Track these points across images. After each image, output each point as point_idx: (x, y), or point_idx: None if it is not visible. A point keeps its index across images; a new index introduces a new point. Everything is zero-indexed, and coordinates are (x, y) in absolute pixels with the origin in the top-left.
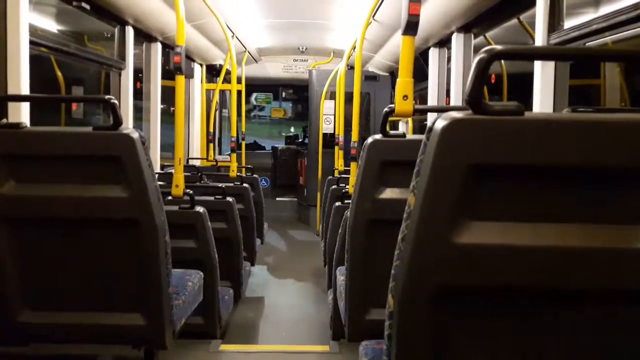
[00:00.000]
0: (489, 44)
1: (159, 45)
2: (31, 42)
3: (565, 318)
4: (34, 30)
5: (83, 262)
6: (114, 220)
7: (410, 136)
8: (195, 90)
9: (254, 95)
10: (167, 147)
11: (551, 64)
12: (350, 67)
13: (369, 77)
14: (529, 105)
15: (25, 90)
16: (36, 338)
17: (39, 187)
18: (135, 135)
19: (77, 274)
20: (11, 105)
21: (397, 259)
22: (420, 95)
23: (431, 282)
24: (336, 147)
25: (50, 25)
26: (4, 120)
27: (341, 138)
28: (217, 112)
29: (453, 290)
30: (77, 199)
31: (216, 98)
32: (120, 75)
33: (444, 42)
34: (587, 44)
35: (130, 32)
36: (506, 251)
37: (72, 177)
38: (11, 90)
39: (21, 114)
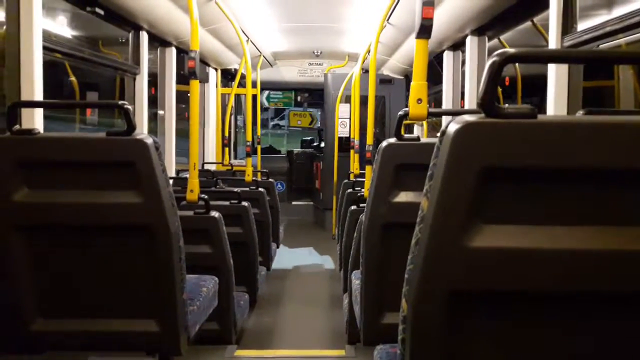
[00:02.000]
0: (503, 46)
1: (173, 50)
2: (44, 48)
3: (580, 321)
4: (47, 36)
5: (97, 269)
6: (128, 226)
7: (424, 139)
8: (210, 94)
9: (266, 93)
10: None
11: (565, 66)
12: (365, 71)
13: (384, 81)
14: (543, 107)
15: (38, 96)
16: (50, 346)
17: (52, 193)
18: (149, 140)
19: (90, 281)
20: (24, 111)
21: (411, 263)
22: (435, 98)
23: (444, 286)
24: (352, 151)
25: (64, 30)
26: (17, 127)
27: (356, 142)
28: (233, 117)
29: (467, 294)
30: (90, 205)
31: (231, 102)
32: (134, 80)
33: (458, 45)
34: (600, 45)
35: (144, 37)
36: (520, 254)
37: (85, 183)
38: (24, 96)
39: (34, 120)
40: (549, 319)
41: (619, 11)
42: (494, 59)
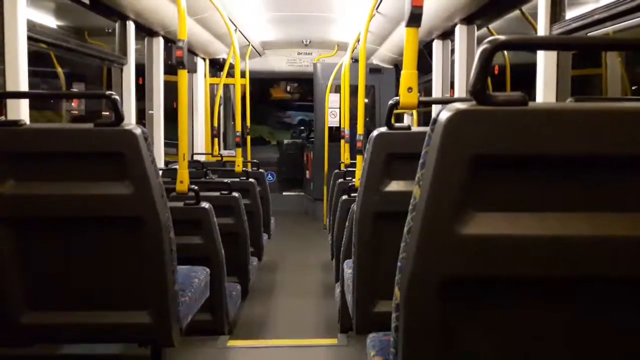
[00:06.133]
0: (492, 35)
1: (161, 40)
2: (29, 38)
3: (572, 307)
4: (32, 26)
5: (86, 261)
6: (117, 218)
7: (415, 128)
8: (198, 84)
9: None
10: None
11: (554, 55)
12: (355, 60)
13: (374, 70)
14: (532, 96)
15: (23, 86)
16: (40, 339)
17: (40, 185)
18: (137, 131)
19: (80, 273)
20: (10, 102)
21: (403, 251)
22: (425, 87)
23: (437, 274)
24: (342, 141)
25: (49, 20)
26: (2, 118)
27: (347, 131)
28: (222, 107)
29: (459, 281)
30: (78, 197)
31: (220, 92)
32: (122, 70)
33: (448, 34)
34: (588, 34)
35: (131, 26)
36: (512, 241)
37: (73, 174)
38: (9, 87)
39: (20, 111)
40: (540, 304)
41: None
42: (485, 46)
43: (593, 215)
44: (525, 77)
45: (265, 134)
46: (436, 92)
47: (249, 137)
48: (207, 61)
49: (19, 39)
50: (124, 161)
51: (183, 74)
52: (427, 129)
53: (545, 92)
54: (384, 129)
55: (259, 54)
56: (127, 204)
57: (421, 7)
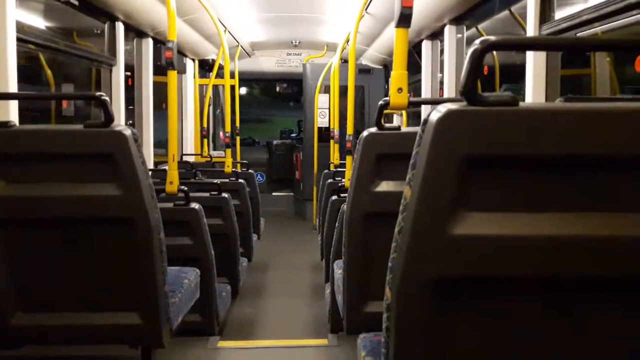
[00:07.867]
0: (481, 35)
1: (150, 41)
2: (18, 39)
3: (564, 307)
4: (20, 27)
5: (76, 262)
6: (107, 218)
7: (405, 129)
8: (187, 85)
9: None
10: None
11: (543, 55)
12: (344, 61)
13: (363, 71)
14: (520, 96)
15: (13, 88)
16: (30, 340)
17: (30, 187)
18: (127, 132)
19: (70, 274)
20: None
21: (394, 252)
22: (414, 88)
23: (428, 274)
24: (331, 141)
25: (38, 21)
26: None
27: (336, 132)
28: (211, 108)
29: (450, 281)
30: (69, 198)
31: (209, 93)
32: (111, 71)
33: (437, 35)
34: (577, 34)
35: (120, 27)
36: (503, 241)
37: (63, 176)
38: None
39: (9, 112)
40: (532, 304)
41: (595, 0)
42: (476, 46)
43: (585, 215)
44: (513, 77)
45: None
46: (425, 92)
47: (238, 138)
48: (197, 62)
49: (8, 40)
50: (114, 162)
51: (172, 75)
52: (417, 129)
53: (534, 92)
54: (374, 130)
55: (248, 54)
56: (117, 204)
57: (411, 8)
